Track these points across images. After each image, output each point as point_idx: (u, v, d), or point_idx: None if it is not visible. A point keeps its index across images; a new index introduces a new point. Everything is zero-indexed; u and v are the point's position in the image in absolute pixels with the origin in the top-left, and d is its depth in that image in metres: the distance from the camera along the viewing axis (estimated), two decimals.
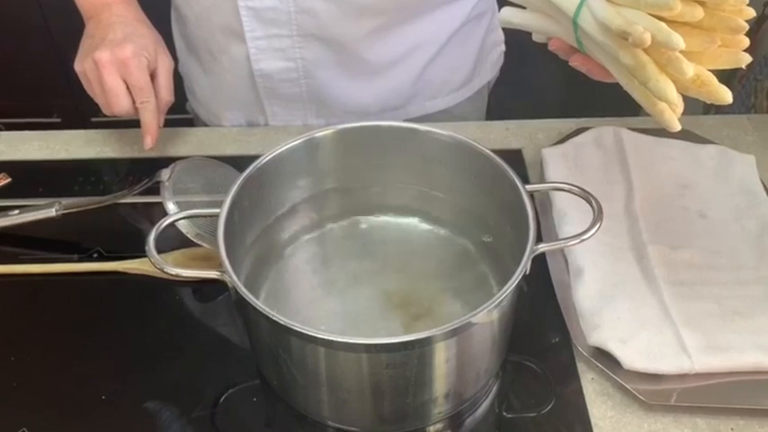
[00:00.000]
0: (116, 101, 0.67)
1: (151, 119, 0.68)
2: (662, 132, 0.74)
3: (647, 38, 0.44)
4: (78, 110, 1.40)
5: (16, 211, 0.67)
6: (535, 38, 0.57)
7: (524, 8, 0.55)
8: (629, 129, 0.73)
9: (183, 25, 0.79)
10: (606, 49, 0.48)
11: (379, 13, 0.72)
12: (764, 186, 0.68)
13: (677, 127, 0.48)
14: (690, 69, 0.45)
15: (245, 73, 0.75)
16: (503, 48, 0.87)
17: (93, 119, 1.39)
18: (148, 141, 0.69)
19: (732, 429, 0.53)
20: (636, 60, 0.47)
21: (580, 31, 0.50)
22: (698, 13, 0.45)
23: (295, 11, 0.69)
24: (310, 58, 0.73)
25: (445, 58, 0.80)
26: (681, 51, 0.45)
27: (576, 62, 0.52)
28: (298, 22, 0.70)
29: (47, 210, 0.66)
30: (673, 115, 0.48)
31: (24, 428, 0.54)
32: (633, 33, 0.45)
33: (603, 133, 0.73)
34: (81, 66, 0.69)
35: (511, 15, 0.55)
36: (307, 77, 0.75)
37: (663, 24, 0.45)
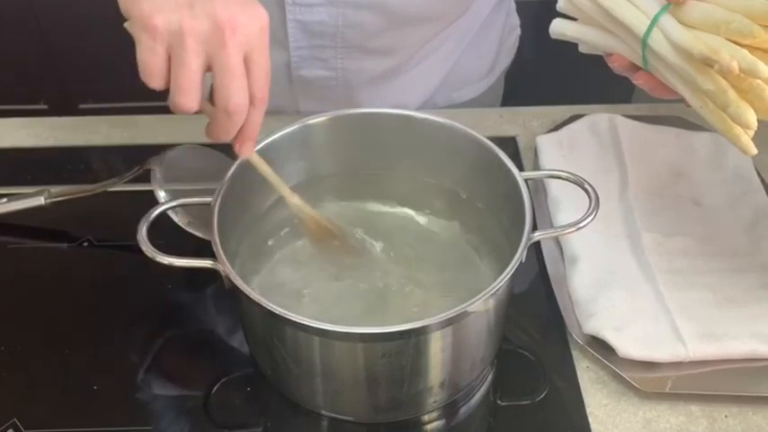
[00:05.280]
0: (194, 91, 0.44)
1: (260, 121, 0.48)
2: (656, 120, 0.74)
3: (735, 66, 0.45)
4: (66, 96, 1.38)
5: (4, 200, 0.66)
6: (582, 49, 0.57)
7: (575, 19, 0.54)
8: (624, 116, 0.73)
9: None
10: (681, 72, 0.49)
11: (427, 22, 0.71)
12: (758, 174, 0.68)
13: (754, 151, 0.49)
14: None
15: (282, 76, 0.74)
16: (518, 31, 0.87)
17: (81, 105, 1.37)
18: (248, 149, 0.49)
19: (726, 416, 0.53)
20: (716, 86, 0.47)
21: (649, 52, 0.50)
22: None
23: (343, 24, 0.68)
24: (351, 68, 0.72)
25: (473, 48, 0.80)
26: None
27: (639, 80, 0.53)
28: (344, 35, 0.69)
29: (35, 198, 0.65)
30: (749, 139, 0.48)
31: (15, 419, 0.53)
32: (720, 61, 0.45)
33: (598, 120, 0.73)
34: (163, 18, 0.43)
35: (565, 28, 0.55)
36: (345, 85, 0.74)
37: (745, 52, 0.45)
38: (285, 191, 0.54)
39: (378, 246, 0.59)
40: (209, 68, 0.44)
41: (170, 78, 0.44)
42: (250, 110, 0.46)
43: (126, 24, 0.45)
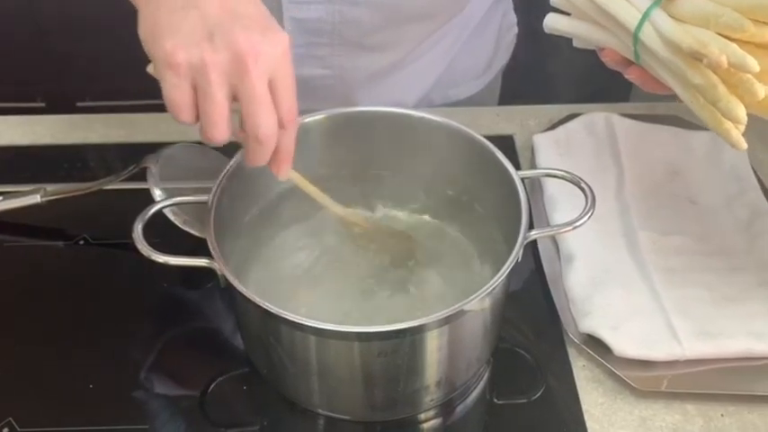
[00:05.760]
0: (224, 123, 0.44)
1: (294, 140, 0.48)
2: (653, 118, 0.74)
3: (724, 60, 0.45)
4: (63, 94, 1.38)
5: (0, 198, 0.66)
6: (576, 44, 0.57)
7: (569, 14, 0.54)
8: (621, 115, 0.73)
9: None
10: (671, 67, 0.48)
11: (423, 19, 0.71)
12: (754, 172, 0.68)
13: (744, 146, 0.48)
14: (762, 91, 0.45)
15: None
16: (515, 30, 0.87)
17: (79, 103, 1.37)
18: (285, 171, 0.49)
19: (722, 415, 0.53)
20: (706, 80, 0.47)
21: (640, 46, 0.50)
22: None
23: (340, 21, 0.68)
24: (348, 66, 0.72)
25: (470, 45, 0.80)
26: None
27: (631, 75, 0.53)
28: (340, 32, 0.69)
29: (31, 196, 0.65)
30: (739, 134, 0.48)
31: (10, 418, 0.53)
32: (709, 55, 0.45)
33: (595, 119, 0.73)
34: (184, 54, 0.42)
35: (558, 22, 0.55)
36: (342, 83, 0.74)
37: (735, 46, 0.45)
38: (328, 203, 0.56)
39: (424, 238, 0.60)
40: (236, 98, 0.44)
41: (198, 112, 0.44)
42: (281, 133, 0.46)
43: (149, 68, 0.45)
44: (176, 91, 0.43)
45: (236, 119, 0.45)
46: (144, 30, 0.45)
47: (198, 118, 0.44)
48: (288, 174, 0.49)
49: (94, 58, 1.32)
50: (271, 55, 0.43)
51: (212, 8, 0.44)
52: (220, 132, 0.44)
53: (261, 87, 0.43)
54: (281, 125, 0.45)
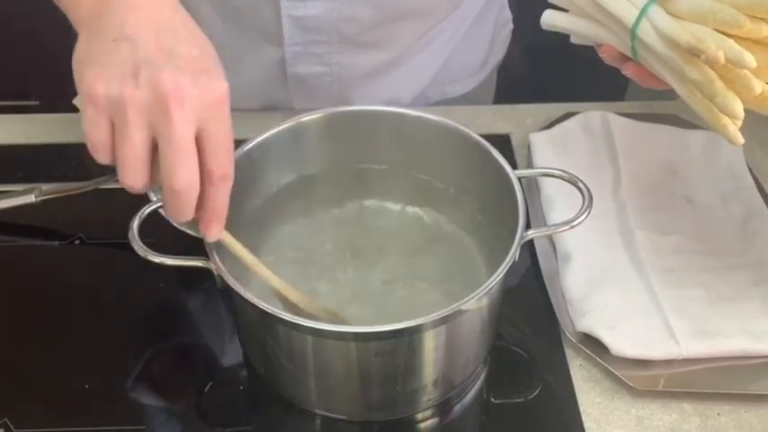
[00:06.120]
0: (140, 169, 0.41)
1: (227, 199, 0.44)
2: (649, 117, 0.74)
3: (721, 56, 0.45)
4: (58, 92, 1.37)
5: None
6: (574, 40, 0.57)
7: (567, 11, 0.54)
8: (617, 113, 0.73)
9: None
10: (669, 63, 0.49)
11: (421, 16, 0.71)
12: (750, 171, 0.68)
13: (741, 141, 0.49)
14: (759, 87, 0.46)
15: (277, 73, 0.73)
16: (511, 26, 0.87)
17: (74, 102, 1.37)
18: (213, 232, 0.45)
19: (719, 414, 0.53)
20: (703, 76, 0.47)
21: (638, 42, 0.50)
22: (765, 30, 0.46)
23: (338, 19, 0.68)
24: (346, 63, 0.72)
25: (466, 42, 0.80)
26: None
27: (629, 71, 0.53)
28: (339, 29, 0.69)
29: (26, 196, 0.65)
30: (736, 130, 0.48)
31: (6, 419, 0.53)
32: (706, 51, 0.45)
33: (591, 118, 0.73)
34: (104, 87, 0.40)
35: (556, 19, 0.55)
36: (340, 81, 0.74)
37: (732, 42, 0.45)
38: (266, 273, 0.50)
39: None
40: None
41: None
42: (209, 188, 0.42)
43: (75, 100, 0.43)
44: (93, 126, 0.40)
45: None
46: (76, 57, 0.42)
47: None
48: (218, 235, 0.45)
49: None
50: (199, 101, 0.40)
51: (147, 44, 0.40)
52: (135, 178, 0.41)
53: (182, 133, 0.39)
54: (208, 180, 0.41)
